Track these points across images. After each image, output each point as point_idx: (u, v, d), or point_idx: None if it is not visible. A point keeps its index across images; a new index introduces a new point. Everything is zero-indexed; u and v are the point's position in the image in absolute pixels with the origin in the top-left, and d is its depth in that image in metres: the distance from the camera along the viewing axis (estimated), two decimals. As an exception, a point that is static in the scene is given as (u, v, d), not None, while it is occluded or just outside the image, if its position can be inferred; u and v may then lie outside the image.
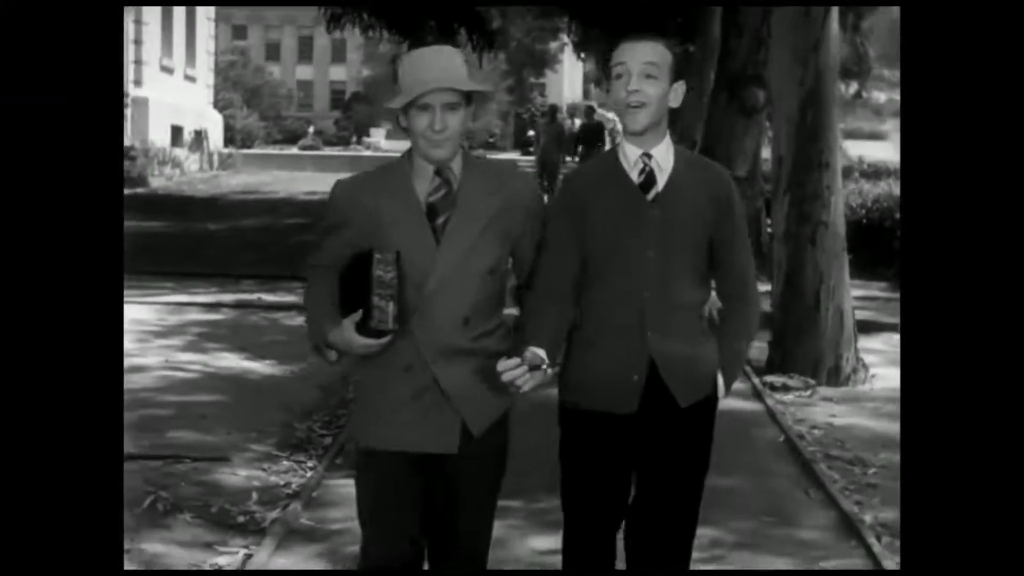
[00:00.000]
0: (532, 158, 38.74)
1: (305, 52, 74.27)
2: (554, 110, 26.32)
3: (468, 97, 3.40)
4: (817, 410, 8.24)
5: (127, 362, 8.81)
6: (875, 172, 20.48)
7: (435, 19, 16.58)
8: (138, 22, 30.11)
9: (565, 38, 37.90)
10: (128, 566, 4.97)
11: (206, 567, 5.02)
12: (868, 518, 5.84)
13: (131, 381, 8.19)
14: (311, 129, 56.56)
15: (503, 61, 41.41)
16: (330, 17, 18.25)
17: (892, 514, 5.91)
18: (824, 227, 9.20)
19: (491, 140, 54.03)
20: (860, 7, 27.04)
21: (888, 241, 15.05)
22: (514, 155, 43.91)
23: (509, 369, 3.26)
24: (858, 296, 13.22)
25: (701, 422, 3.61)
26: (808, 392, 8.74)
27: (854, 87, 42.68)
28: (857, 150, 30.55)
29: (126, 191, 23.56)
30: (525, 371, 3.27)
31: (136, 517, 5.52)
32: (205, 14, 37.95)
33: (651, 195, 3.49)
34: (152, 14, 31.59)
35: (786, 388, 8.78)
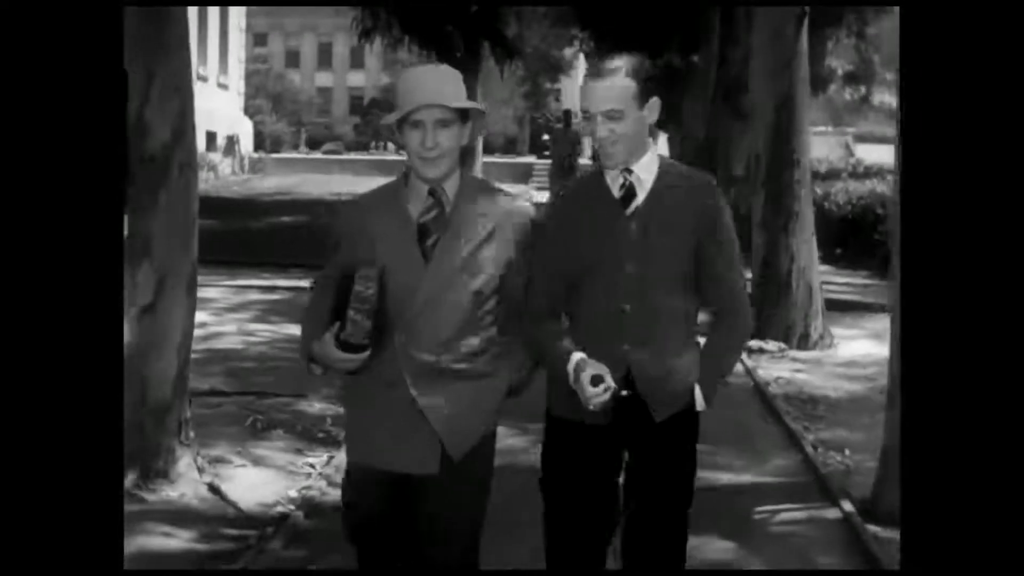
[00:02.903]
0: (548, 162, 40.19)
1: (324, 59, 75.20)
2: (568, 115, 26.43)
3: (463, 115, 3.40)
4: (785, 367, 9.86)
5: (208, 330, 10.49)
6: (866, 173, 21.98)
7: (461, 33, 18.14)
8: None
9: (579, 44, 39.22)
10: (241, 462, 6.60)
11: (300, 465, 6.62)
12: (811, 437, 7.43)
13: (215, 343, 9.88)
14: (303, 133, 57.17)
15: (519, 67, 42.83)
16: (362, 31, 19.83)
17: (830, 435, 7.52)
18: (795, 216, 10.83)
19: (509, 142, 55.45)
20: (866, 15, 28.45)
21: (870, 234, 16.59)
22: (530, 158, 45.23)
23: (598, 395, 3.32)
24: (842, 282, 14.93)
25: (681, 434, 3.59)
26: (780, 354, 10.36)
27: (861, 91, 43.97)
28: (868, 153, 31.89)
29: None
30: (610, 393, 3.35)
31: (241, 432, 7.16)
32: (237, 24, 39.66)
33: (630, 209, 3.49)
34: (188, 24, 33.19)
35: (762, 351, 10.39)
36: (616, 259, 3.47)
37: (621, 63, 3.43)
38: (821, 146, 32.97)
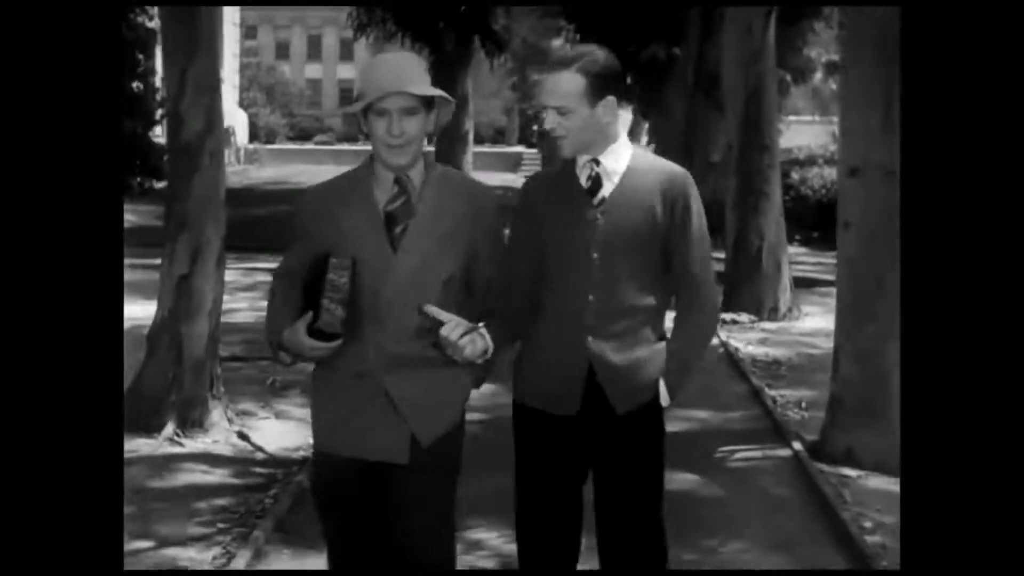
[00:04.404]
0: (535, 151, 40.98)
1: (314, 51, 75.56)
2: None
3: (428, 103, 3.36)
4: (755, 336, 10.75)
5: (223, 307, 11.28)
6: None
7: (454, 28, 18.97)
8: (173, 29, 32.42)
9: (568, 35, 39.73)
10: (264, 415, 7.45)
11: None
12: (773, 393, 8.31)
13: (230, 317, 10.66)
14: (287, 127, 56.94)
15: (508, 59, 43.42)
16: (357, 26, 20.69)
17: (790, 392, 8.39)
18: (765, 197, 11.72)
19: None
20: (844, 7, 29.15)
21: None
22: (519, 148, 46.01)
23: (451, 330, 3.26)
24: (814, 261, 15.83)
25: (645, 427, 3.55)
26: (751, 325, 11.25)
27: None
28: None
29: (166, 184, 25.88)
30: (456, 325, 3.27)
31: (262, 390, 8.02)
32: (231, 20, 40.40)
33: (597, 199, 3.47)
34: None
35: (734, 322, 11.27)
36: (582, 249, 3.45)
37: (572, 58, 3.41)
38: (807, 134, 33.84)
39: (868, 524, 5.61)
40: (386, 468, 3.40)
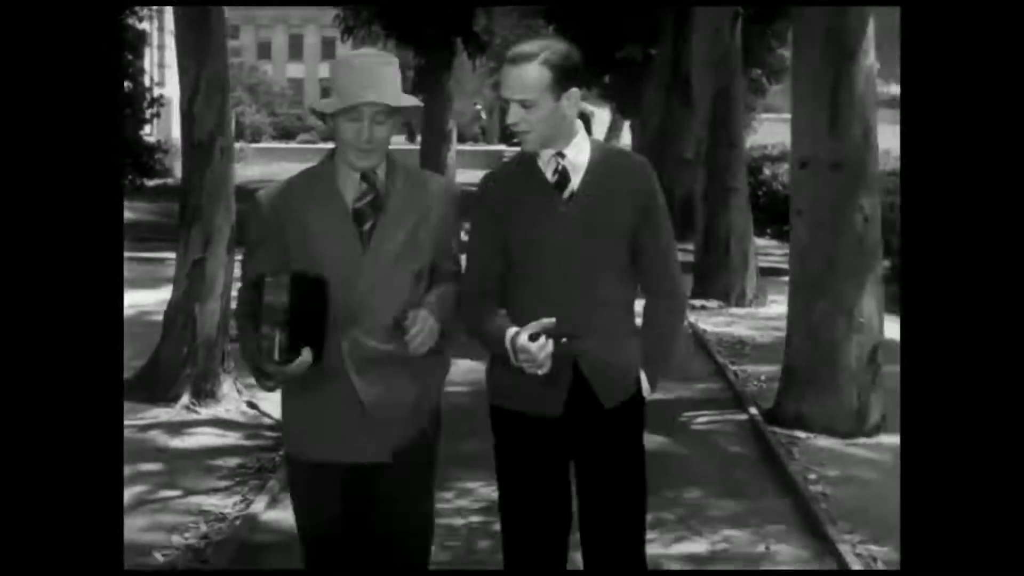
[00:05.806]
0: (518, 148, 41.48)
1: (295, 50, 75.86)
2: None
3: (397, 108, 3.31)
4: (722, 320, 11.50)
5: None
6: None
7: (438, 31, 19.62)
8: (161, 29, 32.92)
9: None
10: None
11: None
12: (736, 368, 9.05)
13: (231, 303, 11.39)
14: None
15: (490, 59, 43.94)
16: (344, 29, 21.34)
17: (753, 367, 9.13)
18: (733, 191, 12.47)
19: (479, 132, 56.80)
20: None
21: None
22: (500, 146, 46.58)
23: (543, 348, 3.20)
24: (782, 253, 16.46)
25: (629, 421, 3.51)
26: (719, 310, 11.99)
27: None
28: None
29: (157, 181, 26.44)
30: (552, 344, 3.22)
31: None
32: (217, 20, 40.90)
33: (566, 193, 3.41)
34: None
35: (703, 308, 12.01)
36: (557, 245, 3.39)
37: (536, 51, 3.32)
38: (782, 132, 34.61)
39: (812, 476, 6.33)
40: (370, 468, 3.37)
